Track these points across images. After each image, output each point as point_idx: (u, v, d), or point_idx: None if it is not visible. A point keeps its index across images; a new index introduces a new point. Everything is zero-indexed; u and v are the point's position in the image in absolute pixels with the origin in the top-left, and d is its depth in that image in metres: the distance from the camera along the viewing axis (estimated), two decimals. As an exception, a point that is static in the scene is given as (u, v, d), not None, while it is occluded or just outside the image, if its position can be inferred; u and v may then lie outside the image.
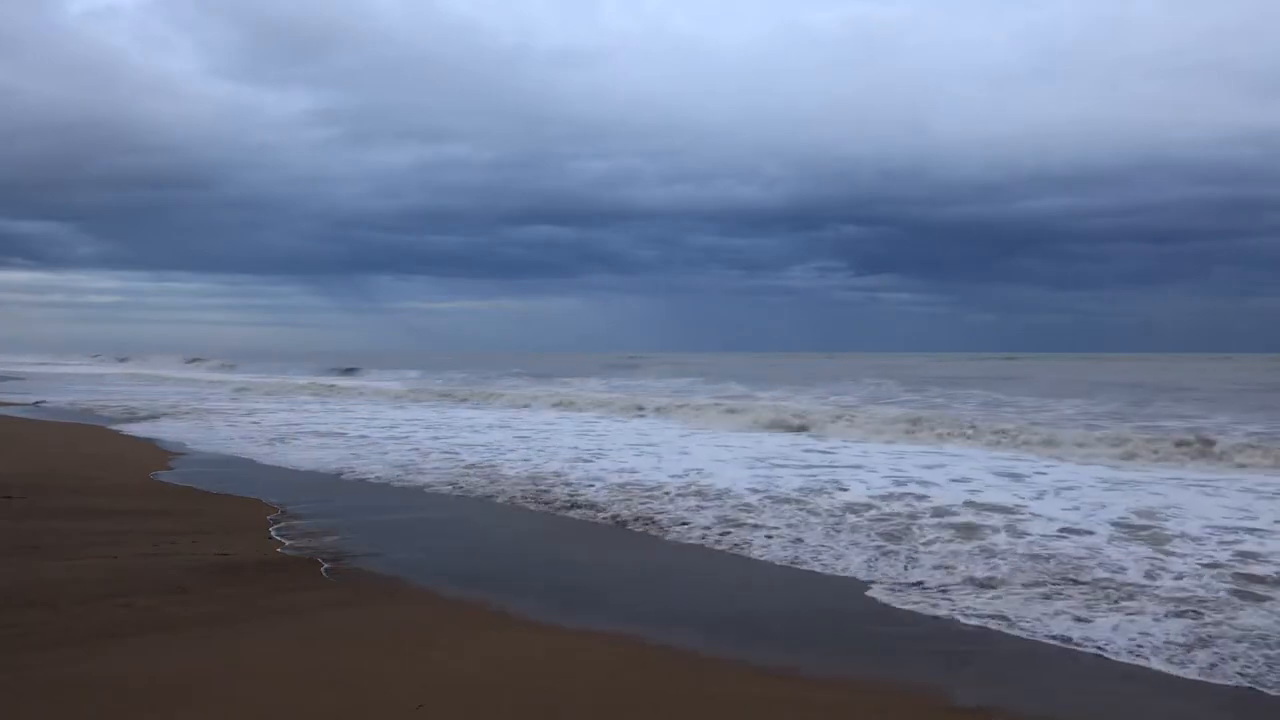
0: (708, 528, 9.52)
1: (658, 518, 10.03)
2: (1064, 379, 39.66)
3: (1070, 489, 11.97)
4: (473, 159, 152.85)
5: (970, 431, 18.27)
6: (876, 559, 8.15)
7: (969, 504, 10.68)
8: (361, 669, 5.26)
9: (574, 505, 10.93)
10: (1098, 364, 65.93)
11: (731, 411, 24.25)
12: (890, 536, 8.97)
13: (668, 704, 4.90)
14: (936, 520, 9.67)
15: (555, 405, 29.48)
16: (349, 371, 55.57)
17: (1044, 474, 13.46)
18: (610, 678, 5.29)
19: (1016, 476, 13.11)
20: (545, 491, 11.83)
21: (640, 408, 26.45)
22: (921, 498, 11.09)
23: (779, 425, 21.13)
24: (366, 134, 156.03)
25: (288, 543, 8.72)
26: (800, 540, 8.91)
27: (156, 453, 16.07)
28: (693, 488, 11.95)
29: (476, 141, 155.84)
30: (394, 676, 5.14)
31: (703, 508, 10.55)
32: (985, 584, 7.32)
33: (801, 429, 20.44)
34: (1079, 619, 6.41)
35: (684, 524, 9.72)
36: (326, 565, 7.88)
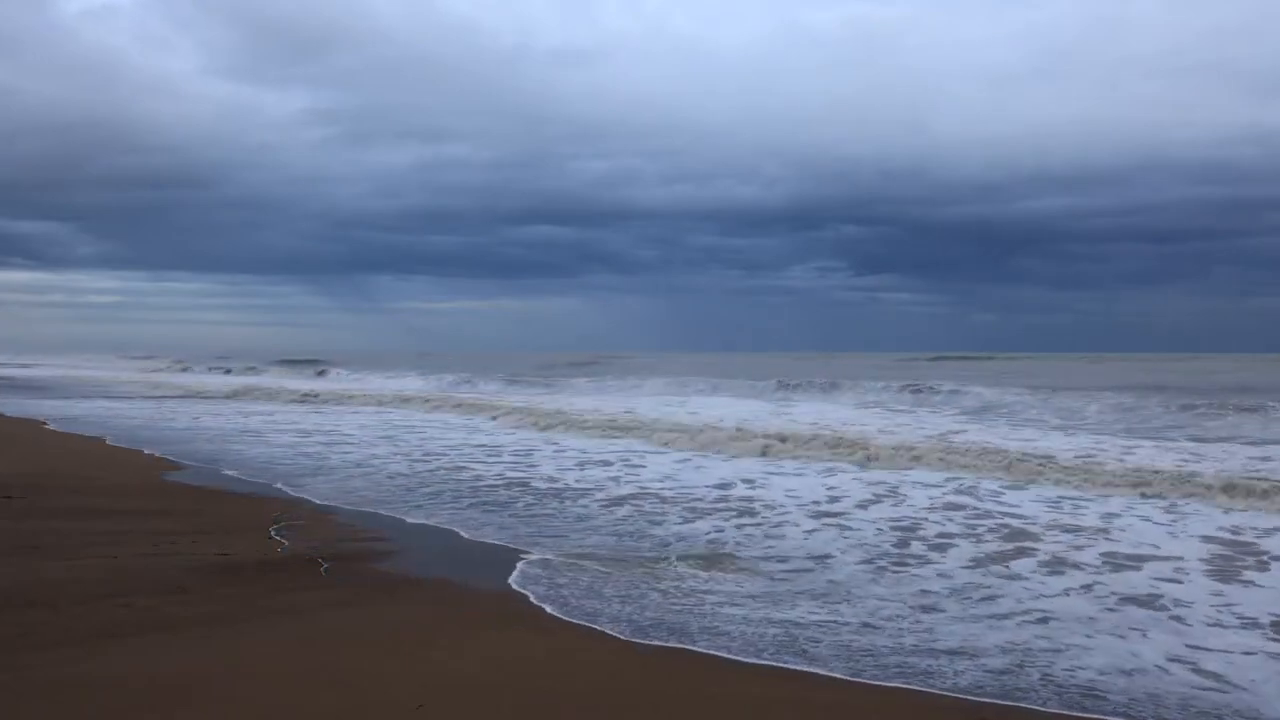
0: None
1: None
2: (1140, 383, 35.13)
3: None
4: (472, 159, 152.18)
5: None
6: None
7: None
8: (361, 669, 5.26)
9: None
10: (1115, 364, 65.51)
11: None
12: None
13: (667, 704, 4.91)
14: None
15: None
16: (321, 374, 55.47)
17: None
18: (610, 678, 5.29)
19: None
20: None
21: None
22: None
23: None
24: (366, 134, 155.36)
25: (287, 543, 8.72)
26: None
27: (156, 454, 16.05)
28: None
29: (476, 141, 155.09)
30: (394, 676, 5.14)
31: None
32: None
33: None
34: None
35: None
36: (326, 565, 7.88)
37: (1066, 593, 7.23)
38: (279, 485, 12.36)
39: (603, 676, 5.31)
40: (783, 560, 8.33)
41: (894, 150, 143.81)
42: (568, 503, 11.34)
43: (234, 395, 34.69)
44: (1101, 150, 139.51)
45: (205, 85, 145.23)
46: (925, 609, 6.78)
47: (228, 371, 59.65)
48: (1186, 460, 13.93)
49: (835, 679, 5.40)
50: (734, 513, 10.68)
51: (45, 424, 21.84)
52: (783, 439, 17.13)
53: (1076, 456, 14.50)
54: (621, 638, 6.10)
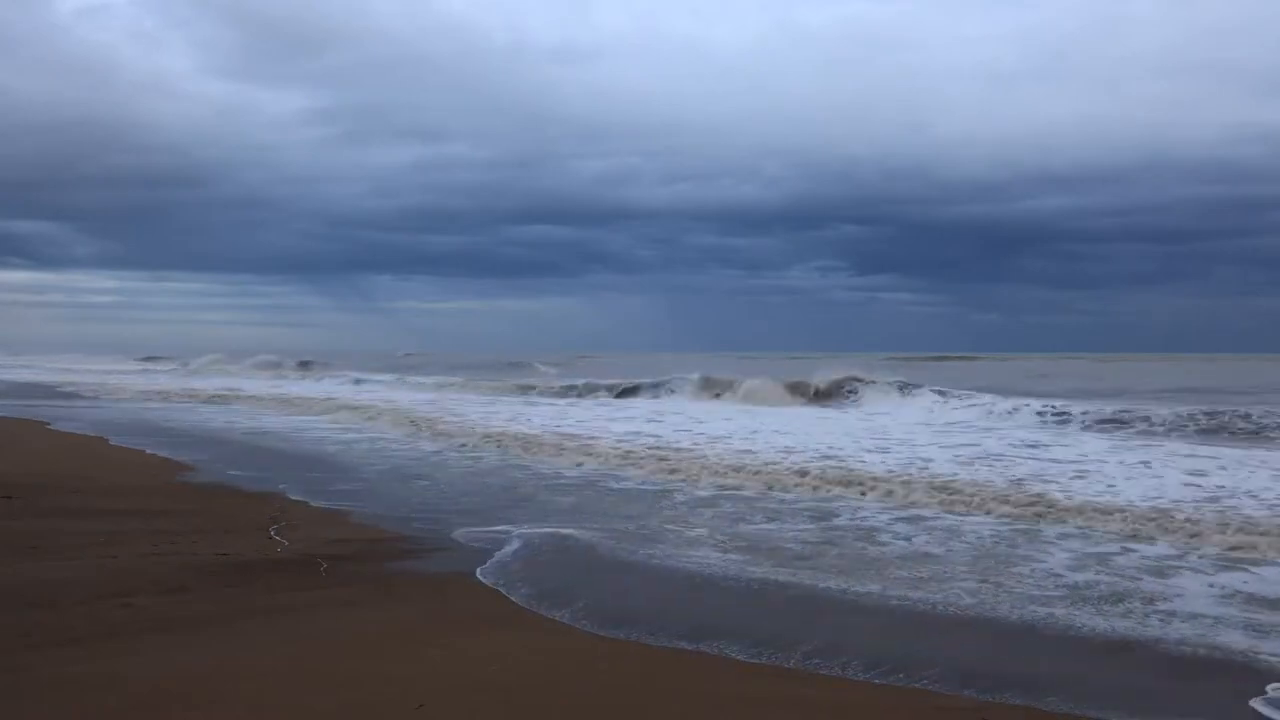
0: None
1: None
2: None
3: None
4: (470, 158, 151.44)
5: None
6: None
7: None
8: (361, 669, 5.26)
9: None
10: (1137, 365, 65.23)
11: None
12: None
13: (668, 703, 4.90)
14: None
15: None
16: (305, 375, 55.36)
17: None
18: (610, 677, 5.29)
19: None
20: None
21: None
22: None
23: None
24: (364, 133, 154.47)
25: (287, 543, 8.72)
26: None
27: (156, 454, 16.06)
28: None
29: (474, 141, 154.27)
30: (394, 676, 5.14)
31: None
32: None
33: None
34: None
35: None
36: (326, 565, 7.88)
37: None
38: (281, 486, 12.34)
39: (603, 676, 5.31)
40: (864, 560, 8.33)
41: (894, 150, 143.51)
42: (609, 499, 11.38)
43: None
44: (1102, 150, 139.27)
45: (202, 84, 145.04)
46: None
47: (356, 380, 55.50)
48: None
49: (835, 677, 5.39)
50: (815, 514, 10.56)
51: (48, 424, 21.87)
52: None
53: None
54: (625, 639, 6.10)
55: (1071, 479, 12.47)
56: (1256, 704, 5.02)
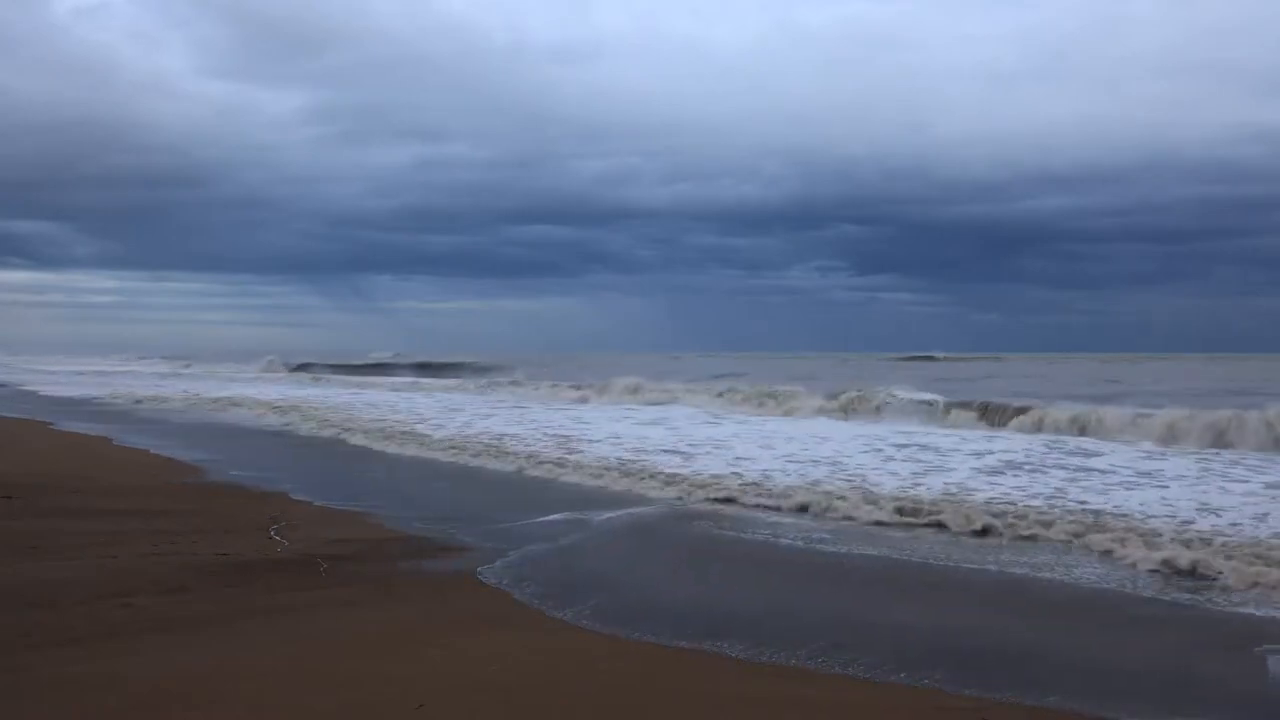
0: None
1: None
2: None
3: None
4: (470, 158, 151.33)
5: None
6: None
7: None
8: (361, 669, 5.25)
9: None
10: (1155, 365, 64.83)
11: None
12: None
13: (668, 703, 4.90)
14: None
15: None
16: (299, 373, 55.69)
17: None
18: (611, 677, 5.28)
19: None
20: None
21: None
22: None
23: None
24: (363, 133, 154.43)
25: (287, 543, 8.72)
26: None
27: (156, 453, 16.06)
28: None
29: (474, 140, 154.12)
30: (394, 676, 5.13)
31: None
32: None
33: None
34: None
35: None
36: (326, 565, 7.87)
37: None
38: (285, 486, 12.33)
39: (604, 676, 5.30)
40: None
41: (894, 150, 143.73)
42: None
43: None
44: (1102, 149, 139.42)
45: (201, 84, 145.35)
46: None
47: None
48: None
49: (836, 676, 5.39)
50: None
51: (50, 424, 21.87)
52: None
53: None
54: (625, 638, 6.10)
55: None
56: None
